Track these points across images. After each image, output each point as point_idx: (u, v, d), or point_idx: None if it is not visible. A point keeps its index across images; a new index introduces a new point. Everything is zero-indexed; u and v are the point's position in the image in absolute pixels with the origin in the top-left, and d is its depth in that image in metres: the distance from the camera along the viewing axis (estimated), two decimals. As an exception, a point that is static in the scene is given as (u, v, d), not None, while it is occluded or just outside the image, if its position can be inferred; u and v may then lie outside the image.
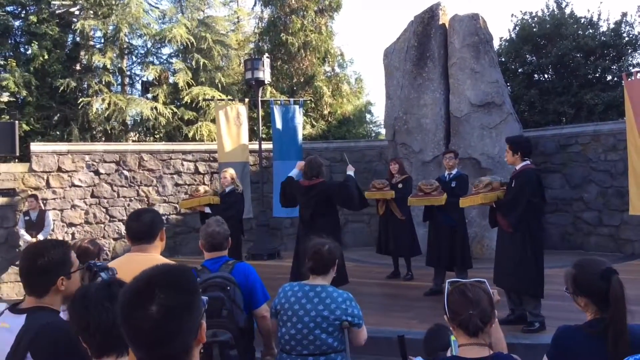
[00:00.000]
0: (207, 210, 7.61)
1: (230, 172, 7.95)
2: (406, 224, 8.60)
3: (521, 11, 22.34)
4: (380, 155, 13.23)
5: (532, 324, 5.66)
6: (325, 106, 17.88)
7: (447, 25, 11.16)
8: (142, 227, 2.95)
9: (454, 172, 7.76)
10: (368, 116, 21.81)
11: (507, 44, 16.84)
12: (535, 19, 16.31)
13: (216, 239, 3.49)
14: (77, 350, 1.81)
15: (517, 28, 16.59)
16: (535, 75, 16.20)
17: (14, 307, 2.27)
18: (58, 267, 2.21)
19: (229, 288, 3.19)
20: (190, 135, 15.03)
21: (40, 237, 9.00)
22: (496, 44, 15.34)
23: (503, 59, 16.05)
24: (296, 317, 3.20)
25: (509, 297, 5.99)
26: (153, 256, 2.85)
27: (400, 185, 8.56)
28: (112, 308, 1.63)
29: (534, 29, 16.07)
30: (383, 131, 16.88)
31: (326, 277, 3.34)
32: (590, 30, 15.47)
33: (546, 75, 16.21)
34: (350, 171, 6.68)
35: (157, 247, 2.98)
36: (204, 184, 12.03)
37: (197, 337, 1.36)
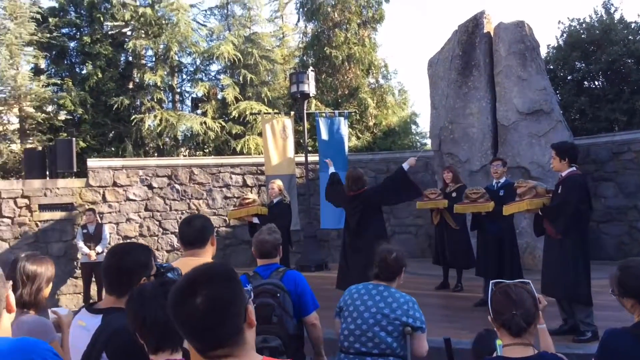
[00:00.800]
0: (256, 220, 7.72)
1: (278, 184, 8.06)
2: (462, 234, 8.43)
3: (568, 18, 21.83)
4: (427, 165, 13.16)
5: (584, 334, 5.52)
6: (370, 118, 17.92)
7: (492, 33, 11.08)
8: (193, 232, 3.05)
9: (502, 180, 7.62)
10: (413, 127, 21.69)
11: (555, 51, 16.55)
12: (584, 25, 15.96)
13: (265, 247, 3.59)
14: None
15: (565, 35, 16.27)
16: (585, 83, 15.82)
17: (91, 307, 2.36)
18: (142, 268, 2.29)
19: (279, 295, 3.26)
20: (238, 148, 15.34)
21: (99, 249, 9.34)
22: (543, 51, 15.12)
23: (551, 67, 15.76)
24: (357, 312, 3.25)
25: (561, 307, 5.85)
26: (205, 260, 2.92)
27: (454, 195, 8.35)
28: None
29: (583, 36, 15.74)
30: (428, 142, 16.79)
31: (391, 284, 3.39)
32: (642, 35, 15.07)
33: (596, 82, 15.81)
34: (407, 165, 6.84)
35: (208, 251, 3.07)
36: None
37: (247, 321, 1.47)
